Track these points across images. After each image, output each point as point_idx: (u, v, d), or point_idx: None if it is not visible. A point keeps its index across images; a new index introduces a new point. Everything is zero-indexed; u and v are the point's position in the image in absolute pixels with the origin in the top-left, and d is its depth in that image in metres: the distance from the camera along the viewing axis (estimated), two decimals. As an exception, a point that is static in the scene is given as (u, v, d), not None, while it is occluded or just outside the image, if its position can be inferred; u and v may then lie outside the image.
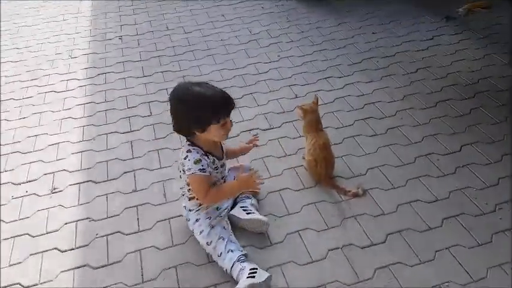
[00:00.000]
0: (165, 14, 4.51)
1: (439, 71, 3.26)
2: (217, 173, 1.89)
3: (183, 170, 1.81)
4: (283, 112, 2.90)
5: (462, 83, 3.09)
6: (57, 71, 3.57)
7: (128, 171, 2.45)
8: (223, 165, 1.94)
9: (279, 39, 3.89)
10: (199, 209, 1.93)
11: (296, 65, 3.46)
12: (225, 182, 2.00)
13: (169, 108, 1.76)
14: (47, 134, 2.81)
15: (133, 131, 2.81)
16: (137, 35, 4.13)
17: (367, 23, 4.10)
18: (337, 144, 2.55)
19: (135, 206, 2.19)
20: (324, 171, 2.22)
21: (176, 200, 2.19)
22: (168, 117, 1.88)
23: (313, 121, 2.31)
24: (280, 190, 2.25)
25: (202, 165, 1.75)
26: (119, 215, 2.15)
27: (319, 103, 2.36)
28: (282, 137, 2.65)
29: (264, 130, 2.73)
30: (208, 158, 1.80)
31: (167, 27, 4.25)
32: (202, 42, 3.93)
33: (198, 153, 1.76)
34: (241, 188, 1.91)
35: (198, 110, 1.67)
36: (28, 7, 4.95)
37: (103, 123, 2.89)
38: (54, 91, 3.28)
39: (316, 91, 3.09)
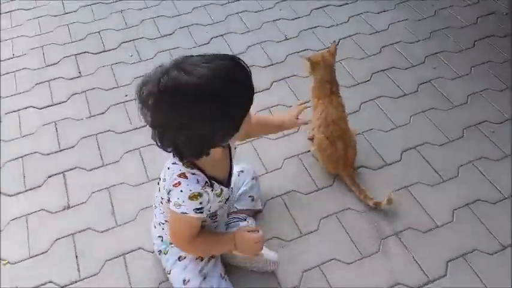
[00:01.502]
0: None
1: None
2: (220, 207, 1.23)
3: (168, 199, 1.11)
4: (271, 65, 2.12)
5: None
6: None
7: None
8: (228, 198, 1.27)
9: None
10: None
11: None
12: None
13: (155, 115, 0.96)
14: None
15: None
16: None
17: None
18: (354, 112, 1.87)
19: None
20: (342, 156, 1.56)
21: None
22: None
23: (326, 80, 1.57)
24: (284, 194, 1.60)
25: (200, 203, 1.08)
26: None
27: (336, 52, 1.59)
28: (274, 105, 1.92)
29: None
30: (212, 189, 1.11)
31: None
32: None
33: (198, 182, 1.07)
34: (238, 249, 1.23)
35: (244, 97, 0.97)
36: None
37: None
38: None
39: (311, 28, 2.30)
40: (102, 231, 1.49)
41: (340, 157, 1.56)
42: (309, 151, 1.72)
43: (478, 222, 1.49)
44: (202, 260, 1.26)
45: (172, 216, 1.14)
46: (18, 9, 2.51)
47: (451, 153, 1.70)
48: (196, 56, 0.95)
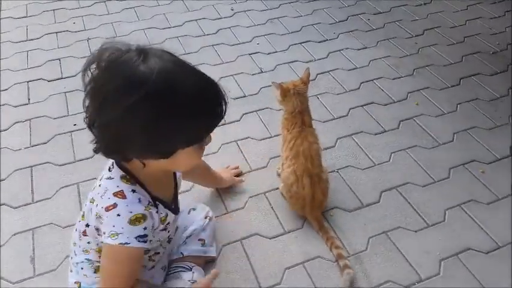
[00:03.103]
0: None
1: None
2: (166, 232, 1.03)
3: (96, 228, 0.93)
4: (243, 97, 2.02)
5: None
6: None
7: None
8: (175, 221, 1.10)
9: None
10: None
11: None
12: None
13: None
14: None
15: None
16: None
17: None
18: (329, 148, 1.74)
19: None
20: (309, 195, 1.39)
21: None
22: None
23: (297, 109, 1.46)
24: (244, 238, 1.41)
25: (144, 229, 0.89)
26: None
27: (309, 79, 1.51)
28: (242, 139, 1.79)
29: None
30: (157, 211, 0.94)
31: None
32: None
33: (140, 202, 0.89)
34: None
35: (192, 119, 0.82)
36: None
37: None
38: None
39: (288, 63, 2.24)
40: (15, 282, 1.27)
41: (307, 196, 1.40)
42: (278, 188, 1.56)
43: (469, 276, 1.31)
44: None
45: (107, 252, 0.91)
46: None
47: (437, 195, 1.56)
48: (174, 56, 0.84)
